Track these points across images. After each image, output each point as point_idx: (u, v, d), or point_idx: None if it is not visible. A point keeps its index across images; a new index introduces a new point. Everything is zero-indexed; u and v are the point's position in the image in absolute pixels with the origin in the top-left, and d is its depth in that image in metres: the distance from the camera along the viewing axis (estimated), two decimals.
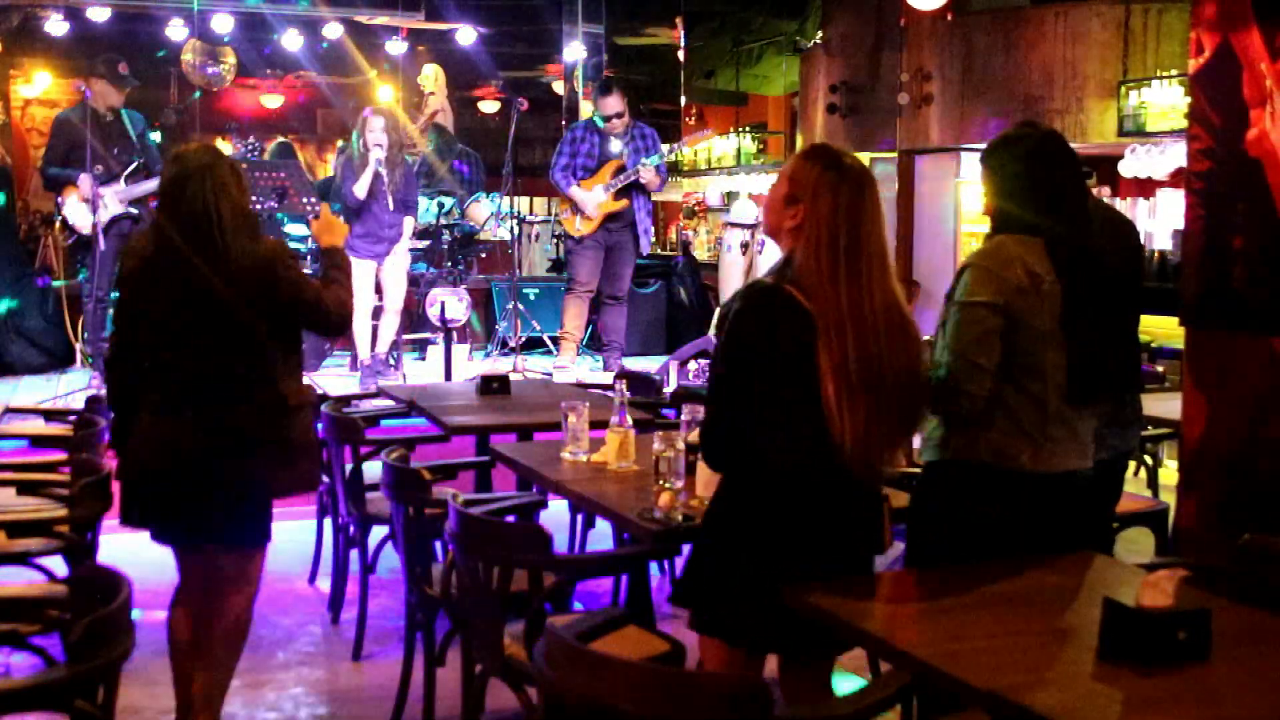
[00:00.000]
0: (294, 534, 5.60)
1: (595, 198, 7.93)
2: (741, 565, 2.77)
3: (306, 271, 8.72)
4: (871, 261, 2.74)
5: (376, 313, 7.86)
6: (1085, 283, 3.06)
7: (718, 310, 5.64)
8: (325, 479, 4.96)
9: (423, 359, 8.75)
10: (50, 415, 5.56)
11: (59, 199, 7.48)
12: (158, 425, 3.50)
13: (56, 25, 11.76)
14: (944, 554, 3.01)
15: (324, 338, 3.57)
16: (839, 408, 2.67)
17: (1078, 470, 3.09)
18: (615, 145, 8.00)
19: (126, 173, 7.44)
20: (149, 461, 3.50)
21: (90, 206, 7.18)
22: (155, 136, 8.76)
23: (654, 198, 8.70)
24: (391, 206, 7.53)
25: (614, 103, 7.94)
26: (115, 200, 7.37)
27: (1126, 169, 8.37)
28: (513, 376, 5.98)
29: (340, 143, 12.74)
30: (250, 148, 10.39)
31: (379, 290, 7.80)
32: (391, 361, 8.08)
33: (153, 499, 3.50)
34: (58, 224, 7.54)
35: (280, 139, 12.37)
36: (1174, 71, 7.92)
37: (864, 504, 2.84)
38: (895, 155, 11.54)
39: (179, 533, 3.57)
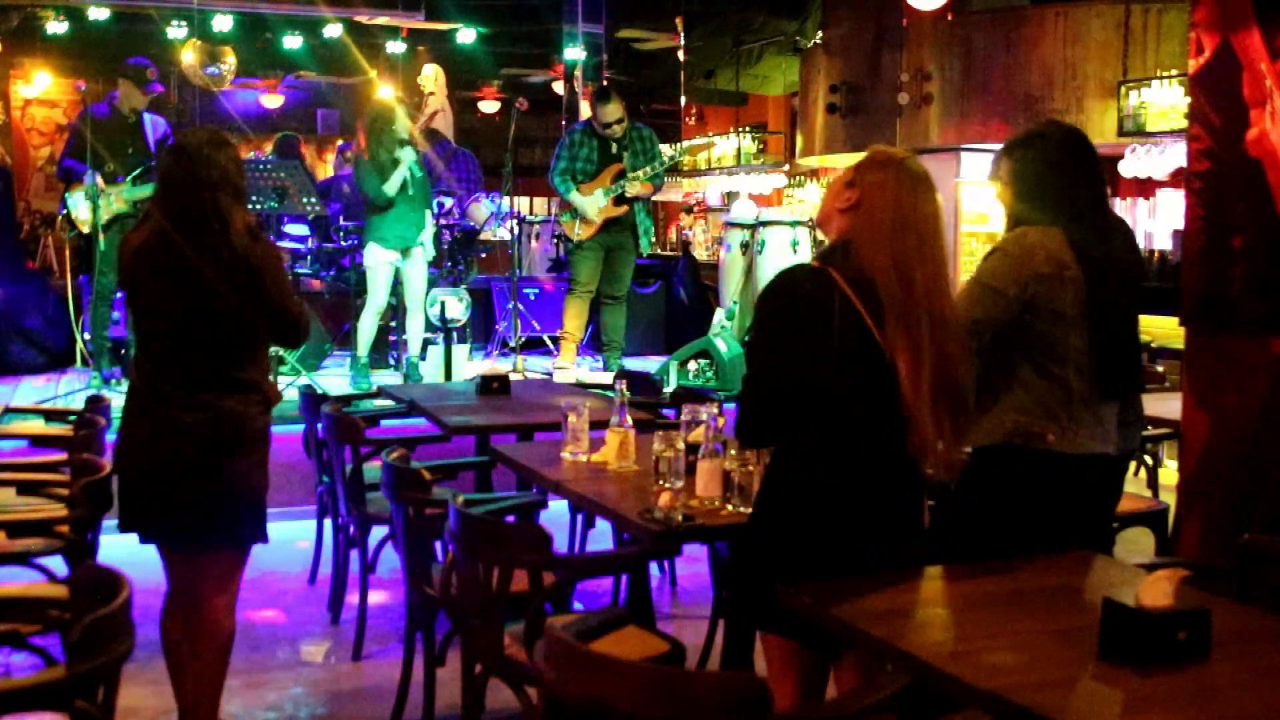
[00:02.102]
0: (294, 534, 5.60)
1: (595, 202, 7.92)
2: (796, 552, 2.70)
3: (305, 271, 8.82)
4: (921, 244, 2.72)
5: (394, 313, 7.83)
6: (1105, 274, 3.16)
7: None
8: (325, 479, 4.97)
9: (423, 359, 8.74)
10: (50, 415, 5.55)
11: (66, 193, 7.52)
12: (144, 421, 3.47)
13: (56, 25, 11.78)
14: (979, 544, 3.03)
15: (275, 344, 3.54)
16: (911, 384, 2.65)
17: (1103, 454, 3.19)
18: (614, 148, 7.98)
19: (134, 174, 7.44)
20: (136, 459, 3.47)
21: (91, 204, 7.20)
22: None
23: (654, 197, 8.69)
24: (411, 193, 7.47)
25: (613, 110, 7.88)
26: (120, 199, 7.38)
27: (1126, 169, 8.36)
28: (513, 376, 5.98)
29: (340, 141, 12.74)
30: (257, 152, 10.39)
31: (397, 289, 7.78)
32: (392, 362, 8.09)
33: (140, 499, 3.46)
34: (60, 219, 7.57)
35: (283, 133, 12.36)
36: (1174, 71, 7.92)
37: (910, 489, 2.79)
38: None
39: (166, 534, 3.50)
